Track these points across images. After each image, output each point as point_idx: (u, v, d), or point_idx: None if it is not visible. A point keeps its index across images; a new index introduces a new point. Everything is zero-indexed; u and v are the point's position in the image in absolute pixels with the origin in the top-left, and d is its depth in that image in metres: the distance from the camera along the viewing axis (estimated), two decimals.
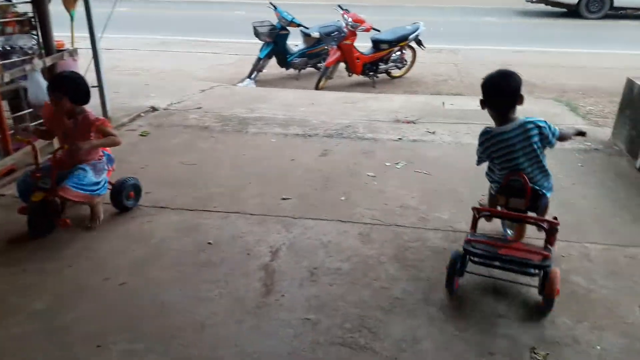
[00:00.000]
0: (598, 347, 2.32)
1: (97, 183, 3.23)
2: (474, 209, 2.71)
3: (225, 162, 4.35)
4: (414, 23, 7.80)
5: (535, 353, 2.28)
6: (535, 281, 2.62)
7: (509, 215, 2.72)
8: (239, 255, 3.02)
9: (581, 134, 2.98)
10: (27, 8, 4.42)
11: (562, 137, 2.73)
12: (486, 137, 2.71)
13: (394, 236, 3.21)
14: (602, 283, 2.76)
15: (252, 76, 7.67)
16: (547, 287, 2.45)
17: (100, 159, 3.33)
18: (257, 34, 7.67)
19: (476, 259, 2.63)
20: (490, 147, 2.70)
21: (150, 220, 3.40)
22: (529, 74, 8.17)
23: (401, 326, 2.45)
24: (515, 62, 8.98)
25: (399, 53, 7.76)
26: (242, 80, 7.68)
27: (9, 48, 4.44)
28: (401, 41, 7.61)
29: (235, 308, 2.58)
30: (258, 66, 7.70)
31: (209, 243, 3.14)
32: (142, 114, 5.60)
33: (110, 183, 3.40)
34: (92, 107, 5.29)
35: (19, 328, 2.44)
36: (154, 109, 5.80)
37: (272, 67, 8.18)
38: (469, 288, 2.71)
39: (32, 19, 4.48)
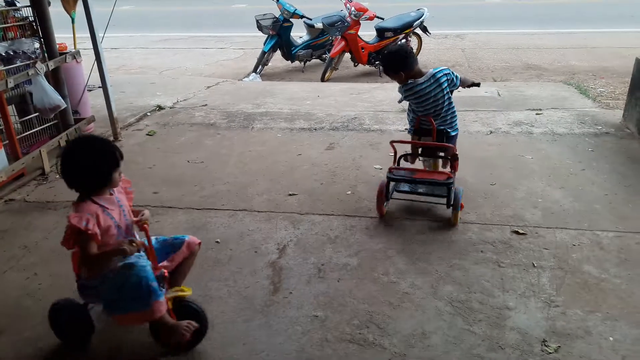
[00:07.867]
0: (611, 339, 2.27)
1: None
2: (391, 142, 3.35)
3: (231, 160, 4.35)
4: (419, 9, 7.71)
5: (546, 346, 2.24)
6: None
7: (417, 144, 3.43)
8: (246, 253, 3.02)
9: (476, 84, 3.47)
10: (27, 12, 4.41)
11: (463, 83, 3.34)
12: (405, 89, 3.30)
13: (402, 230, 3.19)
14: (615, 272, 2.72)
15: (258, 70, 7.65)
16: (452, 200, 3.16)
17: None
18: (260, 27, 7.63)
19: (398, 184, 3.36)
20: (409, 96, 3.31)
21: (158, 220, 3.41)
22: (537, 57, 8.06)
23: (410, 322, 2.44)
24: (523, 45, 8.89)
25: (404, 40, 7.68)
26: (248, 75, 7.67)
27: (12, 53, 4.45)
28: (406, 28, 7.53)
29: (244, 306, 2.58)
30: (263, 60, 7.67)
31: (217, 242, 3.15)
32: (149, 113, 5.63)
33: None
34: (97, 108, 5.38)
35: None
36: (160, 107, 5.83)
37: (277, 60, 8.14)
38: (473, 283, 2.69)
39: (33, 23, 4.48)
